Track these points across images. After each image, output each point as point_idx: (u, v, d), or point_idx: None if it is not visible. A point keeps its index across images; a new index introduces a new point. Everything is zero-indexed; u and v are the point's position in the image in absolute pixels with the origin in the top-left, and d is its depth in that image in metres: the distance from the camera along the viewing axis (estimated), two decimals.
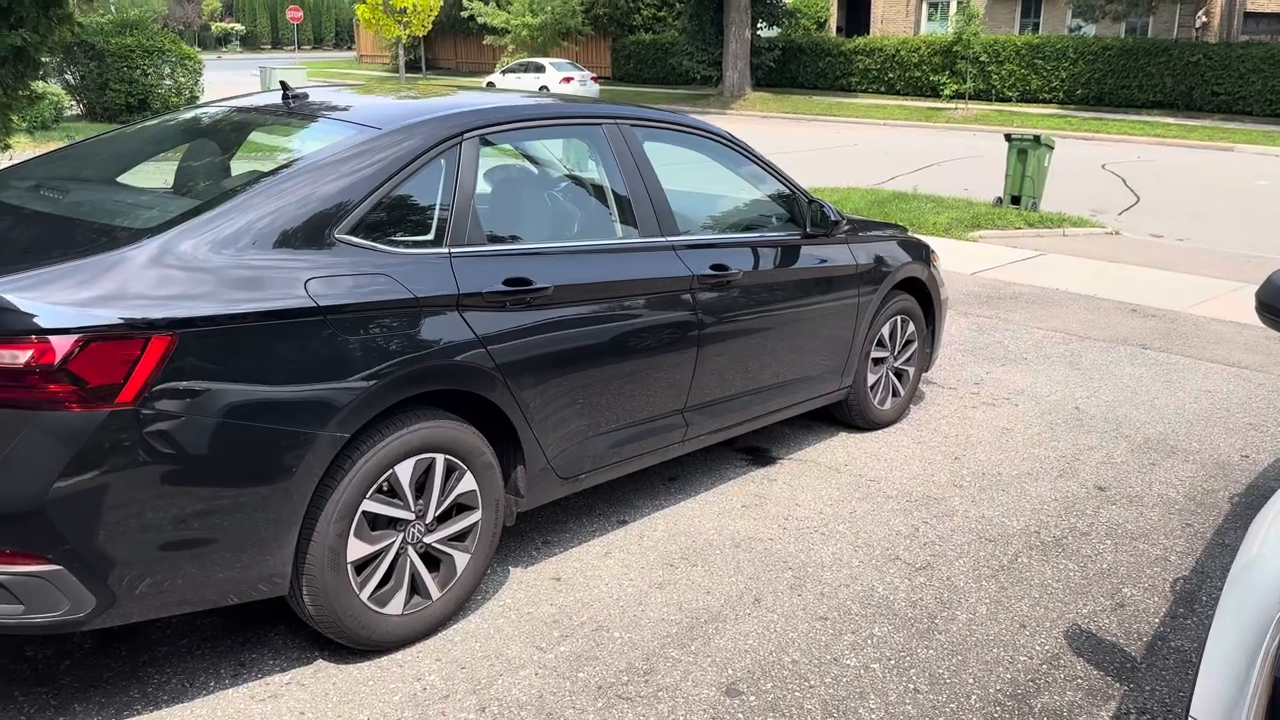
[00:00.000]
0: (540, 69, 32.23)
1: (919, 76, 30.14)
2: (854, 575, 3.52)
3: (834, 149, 20.12)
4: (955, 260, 9.42)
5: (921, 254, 4.98)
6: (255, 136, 3.41)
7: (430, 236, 2.97)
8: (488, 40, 39.42)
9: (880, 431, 4.96)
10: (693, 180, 4.36)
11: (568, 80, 31.45)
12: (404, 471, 2.81)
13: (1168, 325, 7.44)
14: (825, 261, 4.31)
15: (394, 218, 2.91)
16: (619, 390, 3.41)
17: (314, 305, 2.57)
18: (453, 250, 2.96)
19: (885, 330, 4.81)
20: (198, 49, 27.81)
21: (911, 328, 4.99)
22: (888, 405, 4.97)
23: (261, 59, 45.83)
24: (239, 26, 74.70)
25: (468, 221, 3.02)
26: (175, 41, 21.89)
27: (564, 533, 3.75)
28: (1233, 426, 5.26)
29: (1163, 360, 6.48)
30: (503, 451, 3.13)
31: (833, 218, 4.24)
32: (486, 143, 3.20)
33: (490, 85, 33.72)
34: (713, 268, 3.73)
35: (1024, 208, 12.02)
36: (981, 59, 28.59)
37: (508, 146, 3.38)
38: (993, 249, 10.33)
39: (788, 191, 4.30)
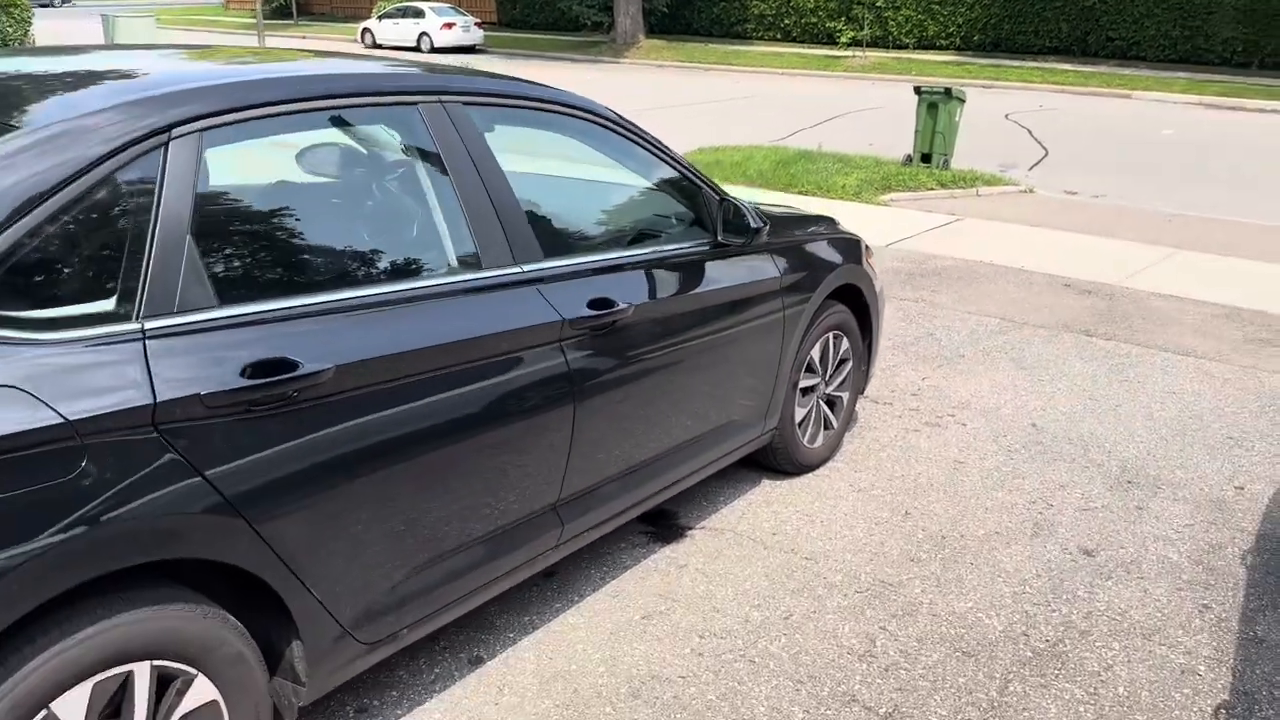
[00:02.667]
0: (420, 14, 30.22)
1: (815, 23, 29.24)
2: None
3: (732, 101, 19.08)
4: (869, 229, 8.56)
5: (855, 252, 3.99)
6: None
7: (109, 306, 1.80)
8: None
9: (811, 475, 3.99)
10: (561, 179, 3.25)
11: (449, 26, 29.56)
12: (70, 709, 1.67)
13: (1107, 304, 6.69)
14: (742, 277, 3.27)
15: (35, 280, 1.73)
16: (453, 499, 2.33)
17: None
18: (149, 327, 1.81)
19: (815, 353, 3.82)
20: None
21: (846, 345, 4.01)
22: (819, 442, 3.99)
23: (111, 6, 42.17)
24: None
25: (180, 273, 1.86)
26: None
27: (390, 688, 2.66)
28: (1213, 443, 4.47)
29: (1113, 351, 5.70)
30: (266, 624, 2.02)
31: (752, 224, 3.18)
32: (220, 140, 2.03)
33: (366, 32, 31.54)
34: (592, 305, 2.65)
35: (935, 166, 11.23)
36: (878, 4, 27.82)
37: (255, 143, 2.18)
38: (907, 214, 9.52)
39: (692, 186, 3.22)
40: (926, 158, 11.32)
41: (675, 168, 3.16)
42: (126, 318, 1.79)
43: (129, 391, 1.71)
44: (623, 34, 29.46)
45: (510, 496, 2.50)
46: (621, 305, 2.72)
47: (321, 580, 2.05)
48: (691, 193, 3.22)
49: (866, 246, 4.14)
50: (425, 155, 2.45)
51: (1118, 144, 14.65)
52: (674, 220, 3.27)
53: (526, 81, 2.83)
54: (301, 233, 2.27)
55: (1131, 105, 19.95)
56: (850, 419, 4.26)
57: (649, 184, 3.24)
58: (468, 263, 2.45)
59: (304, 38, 33.84)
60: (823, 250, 3.78)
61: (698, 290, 3.07)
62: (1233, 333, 6.14)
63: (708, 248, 3.19)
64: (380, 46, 30.64)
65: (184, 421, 1.78)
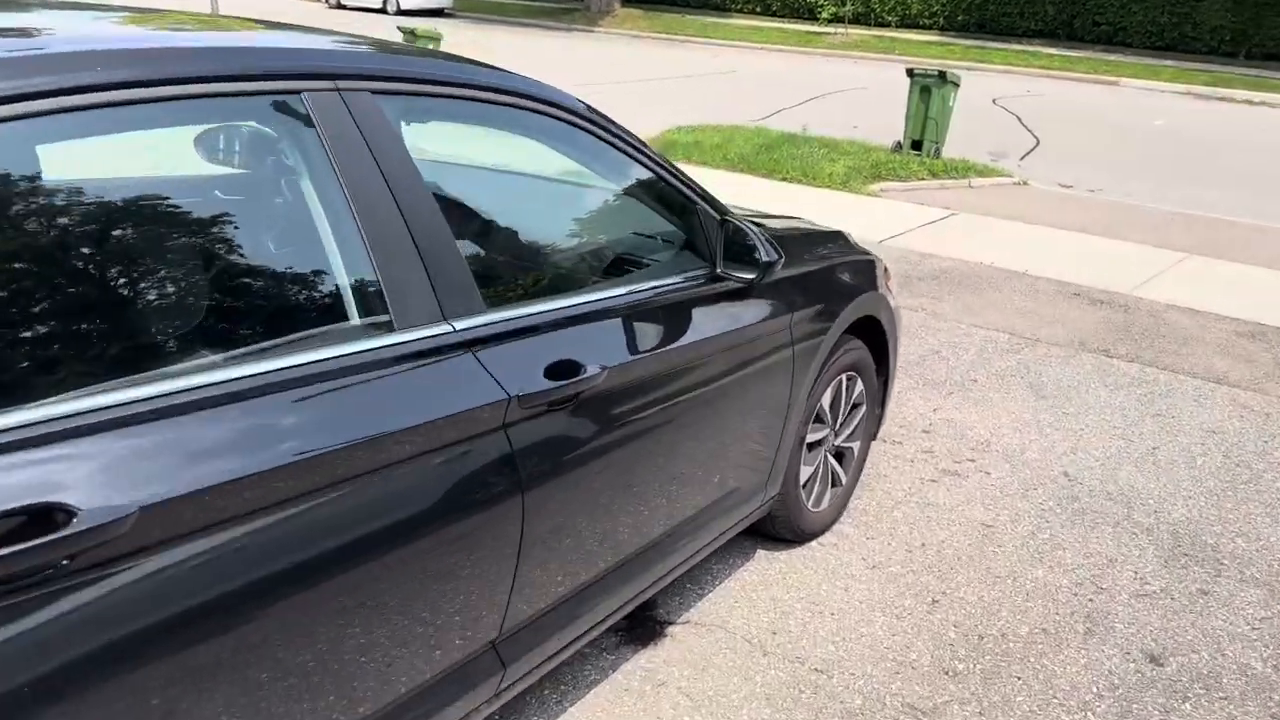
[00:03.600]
0: None
1: None
2: None
3: (711, 76, 18.28)
4: (860, 223, 7.92)
5: (872, 277, 3.30)
6: None
7: None
8: None
9: (816, 545, 3.32)
10: (512, 188, 2.52)
11: None
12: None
13: (1123, 317, 6.08)
14: (745, 319, 2.57)
15: None
16: (327, 663, 1.62)
17: None
18: None
19: (827, 399, 3.13)
20: None
21: (860, 387, 3.33)
22: (824, 504, 3.32)
23: None
24: None
25: None
26: None
27: None
28: (1270, 501, 3.86)
29: (1138, 377, 5.09)
30: None
31: (763, 256, 2.44)
32: None
33: None
34: (551, 373, 1.94)
35: (927, 154, 10.58)
36: None
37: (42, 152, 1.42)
38: (899, 207, 8.87)
39: (686, 203, 2.50)
40: (917, 145, 10.66)
41: (664, 178, 2.44)
42: None
43: None
44: (598, 2, 28.45)
45: (424, 645, 1.79)
46: (590, 370, 2.01)
47: None
48: (684, 210, 2.51)
49: (885, 268, 3.45)
50: (310, 165, 1.71)
51: (1109, 134, 14.08)
52: (660, 244, 2.56)
53: (469, 62, 2.08)
54: (97, 289, 1.50)
55: (1119, 93, 19.41)
56: (860, 475, 3.58)
57: (629, 197, 2.52)
58: (372, 323, 1.72)
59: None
60: (838, 278, 3.08)
61: (690, 340, 2.36)
62: (1262, 354, 5.56)
63: (703, 281, 2.47)
64: (344, 8, 29.40)
65: None
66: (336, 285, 1.72)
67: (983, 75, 20.56)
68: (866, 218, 8.23)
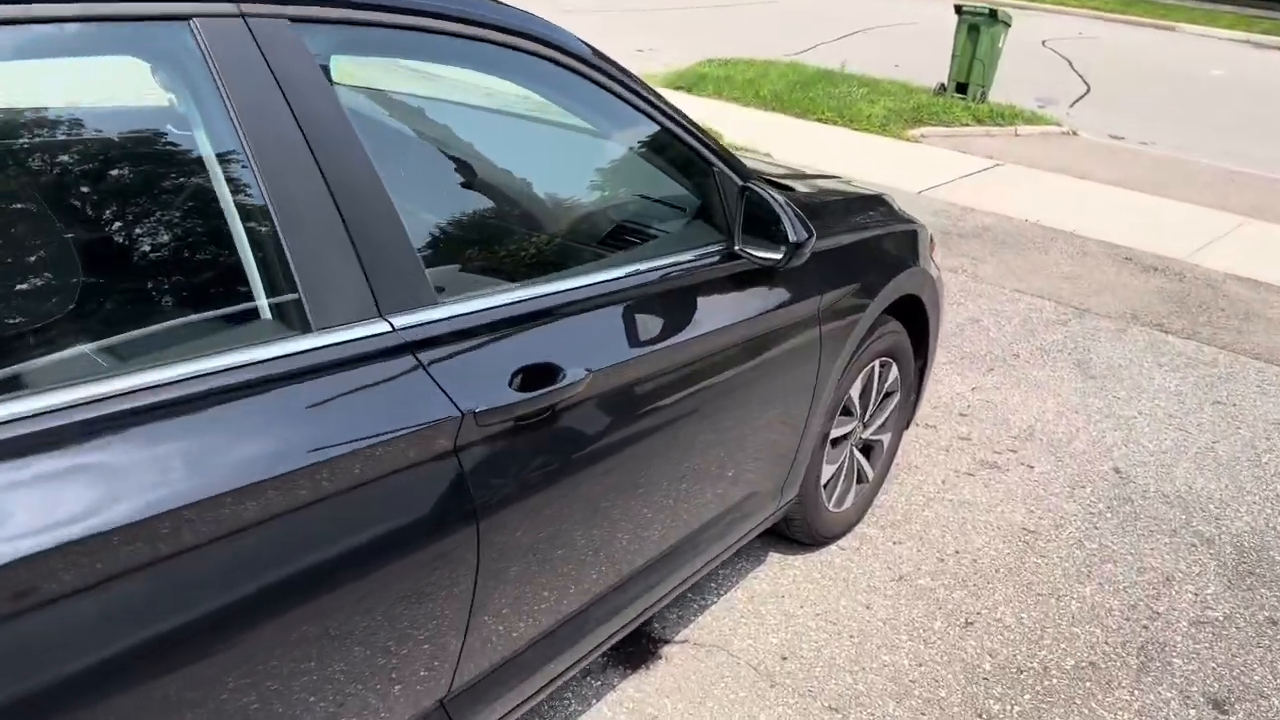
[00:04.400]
0: None
1: None
2: None
3: (748, 5, 17.50)
4: (898, 172, 7.45)
5: (915, 249, 2.88)
6: None
7: None
8: None
9: (836, 548, 2.96)
10: (475, 129, 2.10)
11: None
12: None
13: (1177, 286, 5.62)
14: (766, 305, 2.17)
15: None
16: None
17: None
18: None
19: (856, 389, 2.74)
20: None
21: (894, 373, 2.94)
22: (847, 503, 2.95)
23: None
24: None
25: None
26: None
27: None
28: None
29: (1195, 358, 4.66)
30: None
31: (791, 234, 2.01)
32: None
33: None
34: (522, 379, 1.55)
35: (972, 98, 9.98)
36: None
37: None
38: (941, 155, 8.34)
39: (700, 162, 2.08)
40: (962, 88, 10.05)
41: (676, 132, 2.01)
42: None
43: None
44: None
45: (358, 705, 1.44)
46: (571, 375, 1.62)
47: None
48: (700, 171, 2.09)
49: (930, 238, 3.02)
50: (202, 115, 1.31)
51: (1164, 82, 13.35)
52: (665, 211, 2.15)
53: None
54: None
55: (1176, 39, 18.48)
56: (888, 471, 3.20)
57: (632, 153, 2.10)
58: (282, 320, 1.34)
59: None
60: (877, 252, 2.67)
61: (698, 333, 1.97)
62: None
63: (717, 259, 2.07)
64: None
65: None
66: (232, 271, 1.33)
67: (1033, 15, 19.62)
68: (905, 166, 7.74)
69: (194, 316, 1.32)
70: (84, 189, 1.37)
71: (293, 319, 1.33)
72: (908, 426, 3.25)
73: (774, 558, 2.87)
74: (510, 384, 1.55)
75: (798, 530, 2.81)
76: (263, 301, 1.33)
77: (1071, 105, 11.45)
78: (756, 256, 2.03)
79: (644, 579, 2.06)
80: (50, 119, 1.43)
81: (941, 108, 9.56)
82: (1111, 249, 6.24)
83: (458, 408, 1.46)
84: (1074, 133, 10.06)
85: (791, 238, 1.98)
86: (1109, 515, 3.29)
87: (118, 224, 1.35)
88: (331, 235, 1.36)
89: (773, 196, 2.01)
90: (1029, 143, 9.33)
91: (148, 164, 1.43)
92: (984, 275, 5.54)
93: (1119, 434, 3.86)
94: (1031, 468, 3.55)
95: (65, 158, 1.42)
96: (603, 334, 1.78)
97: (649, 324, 1.87)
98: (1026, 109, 10.19)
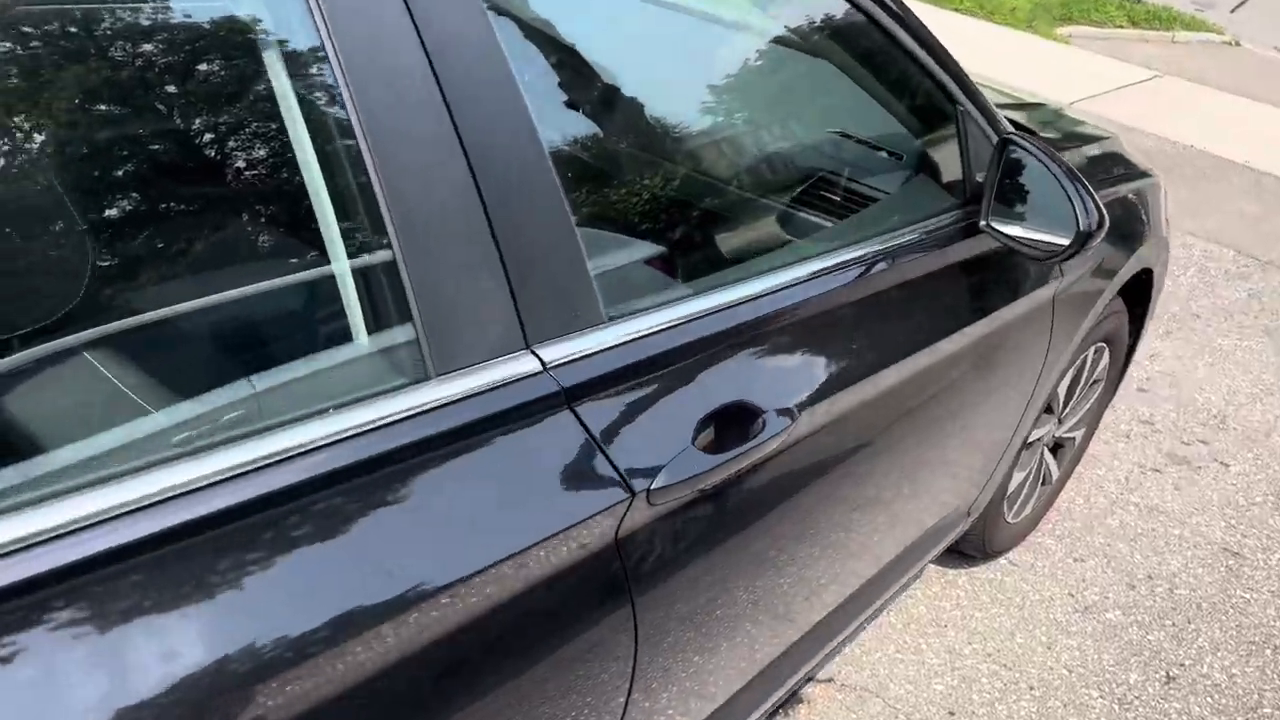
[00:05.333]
0: None
1: None
2: None
3: None
4: (1043, 77, 6.63)
5: (1157, 211, 2.28)
6: None
7: None
8: None
9: (1006, 563, 2.47)
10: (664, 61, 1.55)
11: None
12: None
13: None
14: (1003, 298, 1.62)
15: None
16: None
17: None
18: None
19: (1064, 384, 2.20)
20: None
21: (1106, 360, 2.38)
22: (1026, 512, 2.45)
23: None
24: None
25: None
26: None
27: None
28: None
29: None
30: None
31: (1083, 220, 1.42)
32: None
33: None
34: (709, 431, 1.06)
35: None
36: None
37: None
38: (1093, 60, 7.45)
39: (936, 88, 1.48)
40: None
41: (913, 51, 1.43)
42: None
43: None
44: None
45: None
46: (774, 424, 1.12)
47: None
48: (936, 111, 1.52)
49: (1165, 191, 2.41)
50: (284, 60, 0.80)
51: None
52: (877, 162, 1.59)
53: None
54: None
55: None
56: (1076, 466, 2.67)
57: (838, 72, 1.54)
58: (385, 365, 0.86)
59: None
60: (1119, 218, 2.07)
61: (930, 344, 1.44)
62: None
63: (952, 235, 1.52)
64: None
65: None
66: (317, 292, 0.84)
67: None
68: (1053, 72, 6.89)
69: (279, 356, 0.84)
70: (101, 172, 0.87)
71: (401, 363, 0.85)
72: (1101, 415, 2.70)
73: (933, 573, 2.40)
74: (694, 439, 1.06)
75: (969, 544, 2.32)
76: (359, 338, 0.85)
77: (1233, 10, 10.30)
78: (1024, 241, 1.46)
79: (821, 632, 1.61)
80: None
81: (1094, 3, 8.57)
82: None
83: (627, 486, 0.97)
84: (1235, 42, 9.03)
85: (1082, 224, 1.41)
86: None
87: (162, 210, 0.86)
88: (470, 232, 0.85)
89: (1051, 158, 1.43)
90: (1187, 51, 8.36)
91: (206, 129, 0.91)
92: None
93: None
94: (1227, 466, 3.00)
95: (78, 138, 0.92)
96: (810, 352, 1.26)
97: (871, 333, 1.35)
98: (1185, 12, 9.14)
